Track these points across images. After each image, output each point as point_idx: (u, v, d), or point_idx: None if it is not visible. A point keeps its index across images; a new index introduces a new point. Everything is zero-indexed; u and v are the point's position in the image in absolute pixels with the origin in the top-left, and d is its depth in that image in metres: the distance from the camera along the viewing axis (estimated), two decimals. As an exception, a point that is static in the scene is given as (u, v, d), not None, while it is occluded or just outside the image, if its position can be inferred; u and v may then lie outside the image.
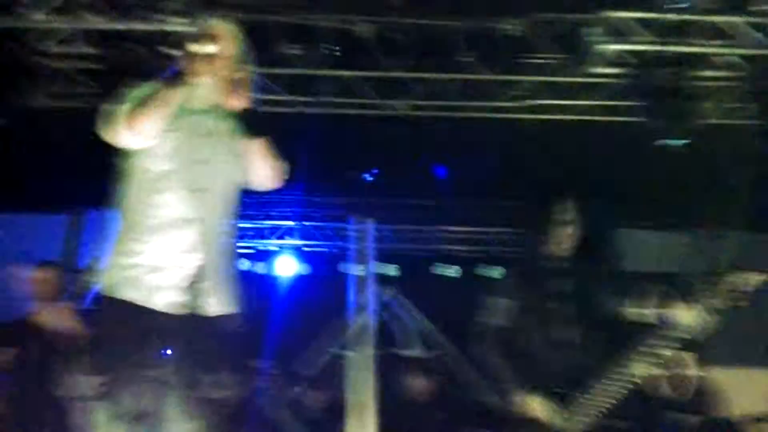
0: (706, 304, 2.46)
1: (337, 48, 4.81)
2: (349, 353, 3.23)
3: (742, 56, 4.66)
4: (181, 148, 2.09)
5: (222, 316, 2.11)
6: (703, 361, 6.59)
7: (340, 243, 6.99)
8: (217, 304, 2.09)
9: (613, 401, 2.60)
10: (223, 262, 2.16)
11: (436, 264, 7.62)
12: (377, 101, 5.20)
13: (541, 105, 5.18)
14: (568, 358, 2.77)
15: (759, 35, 4.47)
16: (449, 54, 4.91)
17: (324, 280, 6.99)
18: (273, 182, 2.26)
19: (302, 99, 5.16)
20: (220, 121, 2.19)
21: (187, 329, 2.03)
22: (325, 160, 5.61)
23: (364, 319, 6.54)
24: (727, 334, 6.72)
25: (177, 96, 2.04)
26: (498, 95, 5.13)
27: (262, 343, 5.97)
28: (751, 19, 4.45)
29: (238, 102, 2.10)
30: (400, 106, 5.22)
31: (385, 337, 6.88)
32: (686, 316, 2.51)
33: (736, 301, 2.39)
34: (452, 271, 7.55)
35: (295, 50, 4.79)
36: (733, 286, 2.37)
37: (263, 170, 2.20)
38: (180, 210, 2.06)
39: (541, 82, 5.08)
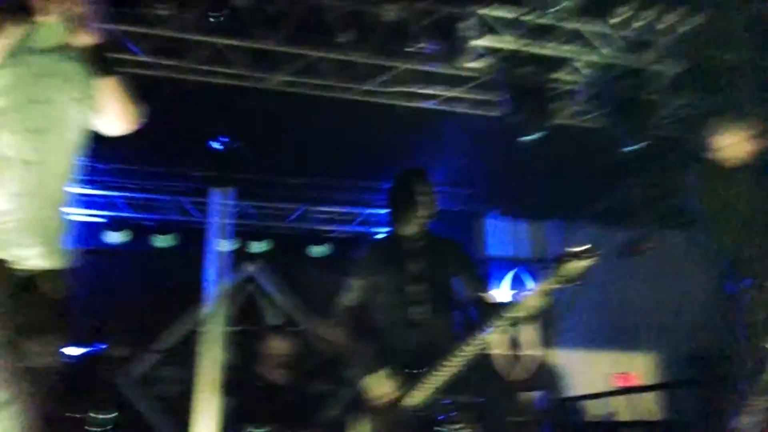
0: (544, 286, 2.64)
1: (212, 14, 4.64)
2: (204, 329, 3.14)
3: (597, 62, 5.01)
4: (18, 85, 1.93)
5: (50, 271, 1.94)
6: (548, 342, 7.13)
7: (200, 216, 6.80)
8: (44, 256, 1.93)
9: (457, 378, 2.74)
10: (58, 212, 2.00)
11: (308, 243, 7.59)
12: (249, 73, 5.08)
13: (411, 92, 5.27)
14: (419, 337, 2.87)
15: (614, 45, 4.86)
16: (326, 32, 4.91)
17: (183, 254, 6.76)
18: (126, 125, 2.15)
19: (168, 63, 4.93)
20: (66, 61, 2.04)
21: (7, 283, 1.85)
22: (188, 129, 5.42)
23: (221, 294, 6.41)
24: (572, 318, 7.33)
25: (17, 31, 1.89)
26: (370, 78, 5.18)
27: (112, 315, 5.73)
28: (606, 31, 4.82)
29: (87, 38, 1.98)
30: (272, 80, 5.13)
31: (248, 313, 6.84)
32: (529, 298, 2.67)
33: (570, 283, 2.57)
34: (322, 249, 7.54)
35: (165, 11, 4.57)
36: (566, 270, 2.52)
37: (115, 111, 2.09)
38: (16, 150, 1.89)
39: (414, 70, 5.21)
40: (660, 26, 4.80)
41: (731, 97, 5.38)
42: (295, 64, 5.07)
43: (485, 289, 3.03)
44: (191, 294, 4.16)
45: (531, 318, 2.69)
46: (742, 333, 2.91)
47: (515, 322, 2.70)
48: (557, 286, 2.57)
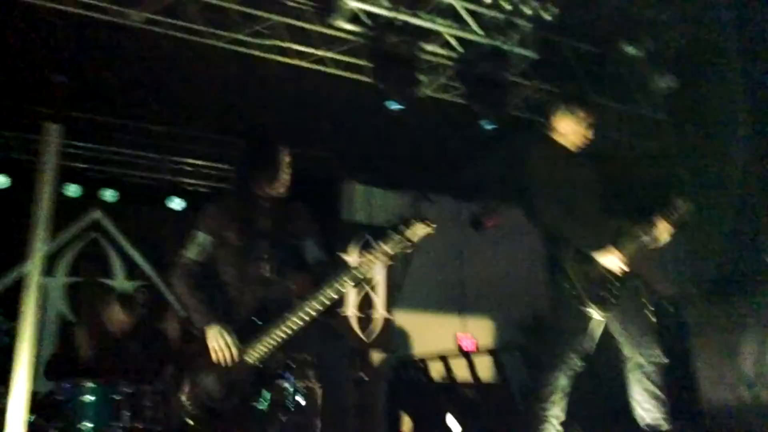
0: (381, 250, 2.75)
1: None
2: (30, 277, 2.91)
3: (461, 39, 5.17)
4: None
5: None
6: (392, 304, 7.42)
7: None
8: None
9: (298, 335, 2.80)
10: None
11: (163, 194, 7.25)
12: (107, 5, 4.70)
13: (280, 47, 5.16)
14: (262, 294, 2.89)
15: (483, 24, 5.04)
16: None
17: (14, 195, 6.20)
18: None
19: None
20: None
21: None
22: (32, 61, 4.98)
23: (59, 241, 6.03)
24: (420, 282, 7.63)
25: None
26: (240, 28, 5.00)
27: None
28: (474, 7, 4.98)
29: None
30: (133, 15, 4.79)
31: (89, 263, 6.47)
32: (367, 259, 2.79)
33: (404, 249, 2.72)
34: (176, 203, 7.24)
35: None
36: (402, 236, 2.68)
37: None
38: None
39: (287, 25, 5.09)
40: (526, 11, 5.03)
41: (583, 85, 5.83)
42: (161, 2, 4.76)
43: (327, 252, 3.10)
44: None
45: (368, 279, 2.83)
46: (567, 302, 3.20)
47: (356, 283, 2.80)
48: (394, 250, 2.71)
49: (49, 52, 5.07)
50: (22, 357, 2.37)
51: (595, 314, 3.15)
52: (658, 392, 3.13)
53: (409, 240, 2.71)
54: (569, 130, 3.43)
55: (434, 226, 2.74)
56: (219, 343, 2.73)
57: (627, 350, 3.21)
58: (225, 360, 2.73)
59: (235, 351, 2.74)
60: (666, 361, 3.19)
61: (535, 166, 3.39)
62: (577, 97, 3.61)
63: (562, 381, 3.25)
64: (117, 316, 4.43)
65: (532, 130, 3.61)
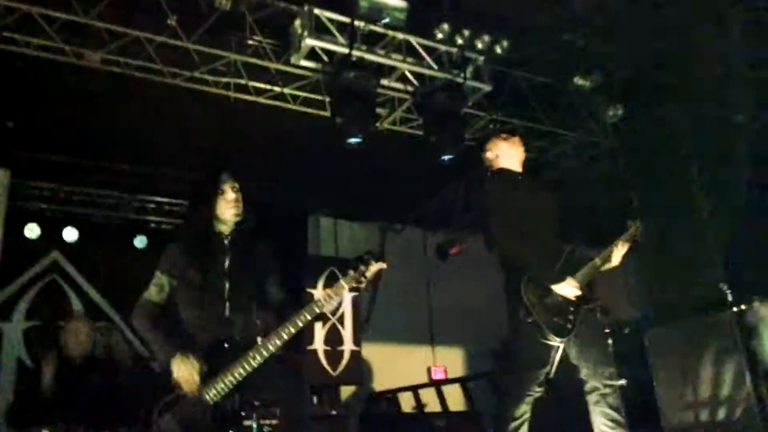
0: (341, 285, 2.82)
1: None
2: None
3: (417, 74, 5.30)
4: None
5: None
6: (360, 337, 7.39)
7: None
8: None
9: (259, 374, 2.80)
10: None
11: (125, 233, 7.16)
12: (64, 46, 4.71)
13: (238, 84, 5.22)
14: (221, 333, 2.87)
15: (438, 59, 5.18)
16: (151, 12, 4.70)
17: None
18: None
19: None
20: None
21: None
22: None
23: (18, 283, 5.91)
24: (388, 314, 7.62)
25: None
26: (197, 66, 5.05)
27: None
28: (428, 42, 5.12)
29: None
30: (89, 57, 4.81)
31: (49, 305, 6.34)
32: (328, 295, 2.84)
33: (359, 284, 2.79)
34: (139, 240, 7.16)
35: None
36: (357, 272, 2.82)
37: None
38: None
39: (245, 63, 5.16)
40: (479, 46, 5.19)
41: (537, 113, 5.99)
42: (118, 42, 4.79)
43: (285, 291, 3.12)
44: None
45: (325, 314, 2.86)
46: (525, 330, 3.25)
47: (315, 318, 2.83)
48: (349, 285, 2.82)
49: (4, 93, 5.05)
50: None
51: (554, 341, 3.20)
52: (615, 414, 3.18)
53: (363, 276, 2.79)
54: (506, 152, 3.56)
55: (386, 265, 2.87)
56: (184, 372, 2.70)
57: (584, 374, 3.26)
58: (192, 388, 2.69)
59: (198, 377, 2.70)
60: (621, 383, 3.24)
61: (491, 197, 3.47)
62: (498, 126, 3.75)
63: (525, 410, 3.28)
64: (78, 330, 4.36)
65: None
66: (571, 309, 3.23)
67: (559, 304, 3.22)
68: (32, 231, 6.54)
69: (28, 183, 6.52)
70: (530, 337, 3.22)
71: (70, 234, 6.69)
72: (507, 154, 3.60)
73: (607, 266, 3.43)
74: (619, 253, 3.42)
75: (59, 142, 6.06)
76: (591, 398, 3.23)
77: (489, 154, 3.63)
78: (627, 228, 3.51)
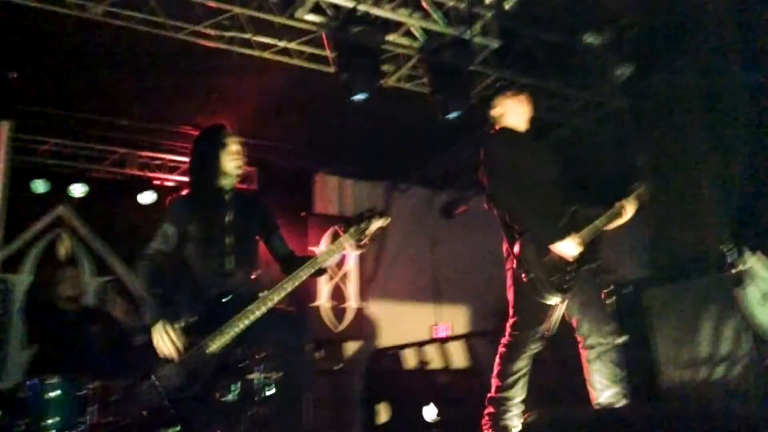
0: (344, 241, 2.85)
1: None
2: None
3: (424, 29, 5.21)
4: None
5: None
6: (365, 295, 7.47)
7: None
8: None
9: (259, 326, 2.84)
10: None
11: (132, 189, 7.18)
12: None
13: (242, 38, 5.15)
14: (223, 286, 2.92)
15: (446, 14, 5.08)
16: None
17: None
18: None
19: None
20: None
21: None
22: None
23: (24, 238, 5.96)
24: (393, 271, 7.66)
25: None
26: (201, 20, 4.98)
27: None
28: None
29: None
30: (91, 9, 4.74)
31: (56, 259, 6.42)
32: (327, 252, 2.88)
33: (360, 241, 2.82)
34: (144, 196, 7.18)
35: None
36: (359, 229, 2.83)
37: None
38: None
39: (249, 16, 5.08)
40: (487, 1, 5.08)
41: (545, 72, 5.91)
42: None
43: (287, 248, 3.16)
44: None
45: (333, 269, 2.91)
46: (523, 289, 3.27)
47: (316, 273, 2.87)
48: (350, 242, 2.84)
49: (5, 46, 5.01)
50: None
51: (552, 300, 3.22)
52: (617, 370, 3.21)
53: (364, 232, 2.81)
54: (513, 110, 3.52)
55: (387, 221, 2.88)
56: (162, 340, 2.76)
57: (583, 331, 3.29)
58: (168, 355, 2.75)
59: (177, 348, 2.76)
60: (621, 340, 3.27)
61: (494, 154, 3.45)
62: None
63: (522, 365, 3.34)
64: (66, 278, 4.44)
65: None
66: (571, 267, 3.24)
67: (559, 262, 3.23)
68: (39, 186, 6.58)
69: (35, 138, 6.52)
70: (528, 295, 3.24)
71: (76, 189, 6.72)
72: (513, 112, 3.57)
73: (611, 227, 3.43)
74: (623, 214, 3.41)
75: (64, 97, 6.05)
76: (590, 354, 3.26)
77: (495, 111, 3.60)
78: (633, 189, 3.50)
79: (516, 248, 3.25)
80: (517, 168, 3.33)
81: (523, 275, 3.20)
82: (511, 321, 3.45)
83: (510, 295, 3.44)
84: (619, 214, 3.40)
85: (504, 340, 3.46)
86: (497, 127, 3.60)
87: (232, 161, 3.05)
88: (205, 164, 3.06)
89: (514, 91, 3.63)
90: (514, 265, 3.28)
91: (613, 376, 3.21)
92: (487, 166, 3.40)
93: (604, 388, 3.21)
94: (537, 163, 3.44)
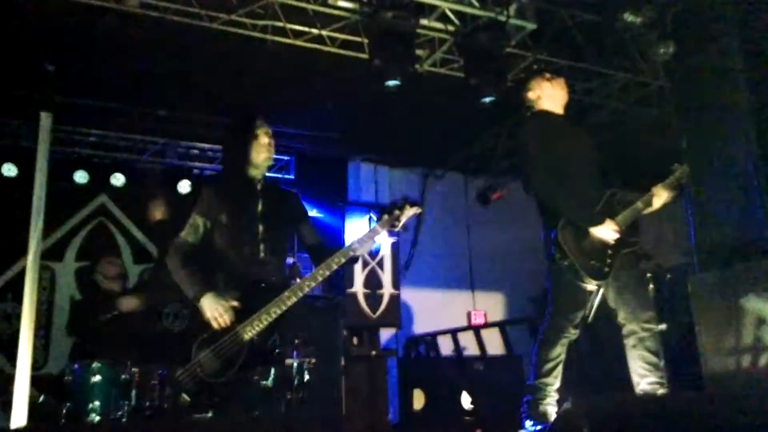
0: (377, 229, 2.85)
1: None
2: (30, 264, 2.97)
3: (458, 12, 5.14)
4: None
5: None
6: (400, 282, 7.46)
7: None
8: None
9: (292, 315, 2.86)
10: None
11: (171, 178, 7.29)
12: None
13: (276, 26, 5.16)
14: (255, 275, 2.94)
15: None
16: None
17: (22, 183, 6.25)
18: None
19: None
20: None
21: None
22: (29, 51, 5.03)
23: (67, 227, 6.10)
24: (428, 259, 7.64)
25: None
26: (234, 8, 5.01)
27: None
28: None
29: None
30: (128, 1, 4.81)
31: (100, 247, 6.57)
32: (359, 241, 2.88)
33: (393, 229, 2.81)
34: (183, 185, 7.28)
35: None
36: (391, 217, 2.82)
37: None
38: None
39: (283, 4, 5.08)
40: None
41: (583, 53, 5.77)
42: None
43: (318, 237, 3.17)
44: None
45: (367, 257, 2.91)
46: (561, 273, 3.22)
47: (348, 261, 2.87)
48: (383, 229, 2.84)
49: (47, 40, 5.12)
50: (23, 338, 2.43)
51: (590, 284, 3.16)
52: (654, 358, 3.15)
53: (397, 220, 2.80)
54: (549, 93, 3.45)
55: (420, 210, 2.87)
56: (216, 311, 2.77)
57: (622, 317, 3.23)
58: (225, 324, 2.77)
59: (231, 314, 2.78)
60: (661, 328, 3.20)
61: (530, 139, 3.40)
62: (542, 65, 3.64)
63: (560, 351, 3.29)
64: (107, 268, 4.55)
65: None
66: (609, 252, 3.18)
67: (597, 247, 3.16)
68: (81, 177, 6.73)
69: (77, 130, 6.68)
70: (566, 279, 3.20)
71: (117, 179, 6.86)
72: (549, 96, 3.50)
73: (650, 210, 3.35)
74: (661, 196, 3.32)
75: (103, 89, 6.16)
76: (629, 342, 3.20)
77: (531, 94, 3.53)
78: (672, 172, 3.41)
79: (554, 233, 3.20)
80: (554, 152, 3.27)
81: (562, 260, 3.15)
82: (549, 307, 3.40)
83: (548, 281, 3.39)
84: (656, 197, 3.31)
85: (542, 327, 3.41)
86: (533, 111, 3.53)
87: (262, 153, 3.05)
88: (236, 155, 3.07)
89: (552, 75, 3.55)
90: (552, 251, 3.23)
91: (650, 364, 3.14)
92: (524, 150, 3.35)
93: (642, 376, 3.15)
94: (574, 147, 3.37)
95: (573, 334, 3.30)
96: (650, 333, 3.16)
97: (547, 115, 3.48)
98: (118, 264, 4.68)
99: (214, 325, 2.77)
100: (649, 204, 3.31)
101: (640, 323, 3.17)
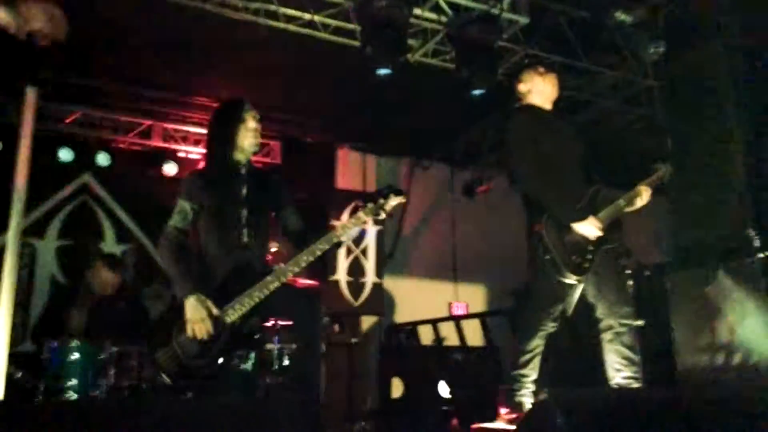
0: (361, 217, 2.87)
1: None
2: (10, 241, 2.94)
3: (451, 3, 5.13)
4: None
5: None
6: (384, 271, 7.49)
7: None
8: None
9: (275, 299, 2.87)
10: None
11: (155, 159, 7.22)
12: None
13: (268, 10, 5.12)
14: (239, 259, 2.94)
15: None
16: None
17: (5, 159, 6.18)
18: None
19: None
20: None
21: None
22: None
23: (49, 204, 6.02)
24: (412, 248, 7.66)
25: None
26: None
27: None
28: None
29: None
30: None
31: (80, 226, 6.53)
32: (341, 227, 2.90)
33: (377, 217, 2.84)
34: (168, 167, 7.23)
35: None
36: (376, 205, 2.87)
37: None
38: None
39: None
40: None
41: (575, 50, 5.80)
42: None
43: (302, 221, 3.17)
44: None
45: (351, 244, 2.94)
46: (543, 267, 3.25)
47: (331, 247, 2.88)
48: (368, 217, 2.88)
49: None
50: (1, 314, 2.42)
51: (570, 279, 3.20)
52: (630, 353, 3.19)
53: (382, 209, 2.83)
54: (540, 88, 3.47)
55: (405, 199, 2.91)
56: (196, 316, 2.77)
57: (600, 312, 3.27)
58: (202, 332, 2.77)
59: (209, 322, 2.78)
60: (638, 324, 3.24)
61: (516, 133, 3.41)
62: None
63: (537, 343, 3.33)
64: (103, 277, 4.50)
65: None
66: (590, 248, 3.21)
67: (579, 242, 3.20)
68: (65, 154, 6.66)
69: (61, 107, 6.59)
70: (547, 273, 3.23)
71: (102, 158, 6.79)
72: (539, 91, 3.51)
73: (632, 208, 3.38)
74: (644, 196, 3.36)
75: (90, 67, 6.10)
76: (605, 336, 3.24)
77: (521, 86, 3.55)
78: (654, 170, 3.45)
79: (537, 227, 3.23)
80: (539, 146, 3.29)
81: (544, 254, 3.18)
82: (529, 300, 3.44)
83: (529, 273, 3.42)
84: (639, 195, 3.35)
85: (521, 318, 3.46)
86: (521, 104, 3.55)
87: (249, 138, 3.04)
88: (222, 138, 3.06)
89: (544, 69, 3.56)
90: (535, 244, 3.26)
91: (626, 359, 3.19)
92: (509, 143, 3.38)
93: (617, 371, 3.20)
94: (560, 142, 3.40)
95: (551, 327, 3.34)
96: (627, 328, 3.21)
97: (534, 108, 3.50)
98: (110, 276, 4.58)
99: (195, 330, 2.77)
100: (631, 202, 3.34)
101: (617, 318, 3.21)
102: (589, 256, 3.19)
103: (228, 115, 3.09)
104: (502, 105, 6.30)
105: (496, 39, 5.31)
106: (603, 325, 3.25)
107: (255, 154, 3.19)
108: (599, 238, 3.22)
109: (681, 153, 5.05)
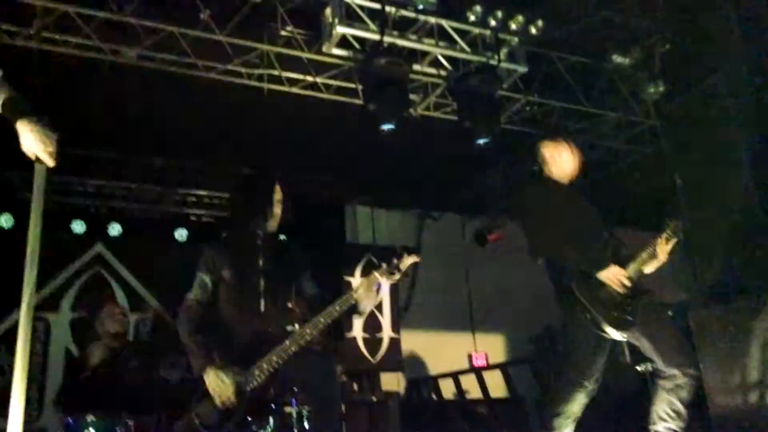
0: (373, 277, 2.84)
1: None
2: (23, 315, 2.91)
3: (450, 58, 5.23)
4: None
5: None
6: (400, 325, 7.40)
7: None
8: None
9: (293, 362, 2.82)
10: None
11: (167, 226, 7.29)
12: (101, 45, 4.80)
13: (272, 75, 5.24)
14: (257, 326, 2.91)
15: (471, 41, 5.10)
16: (184, 7, 4.77)
17: (18, 234, 6.25)
18: None
19: (9, 28, 4.56)
20: None
21: None
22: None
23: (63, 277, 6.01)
24: (427, 301, 7.58)
25: None
26: (230, 59, 5.09)
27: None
28: (461, 26, 5.04)
29: None
30: (127, 54, 4.89)
31: (93, 297, 6.52)
32: (357, 288, 2.86)
33: (393, 277, 2.82)
34: (180, 233, 7.28)
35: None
36: (390, 266, 2.85)
37: None
38: None
39: (278, 54, 5.17)
40: (513, 27, 5.08)
41: (575, 94, 5.86)
42: (153, 38, 4.86)
43: (318, 287, 3.15)
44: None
45: (361, 307, 2.91)
46: (582, 327, 3.15)
47: (349, 309, 2.85)
48: (387, 278, 2.85)
49: (40, 90, 5.17)
50: (15, 391, 2.38)
51: (615, 335, 3.09)
52: (681, 408, 3.01)
53: (396, 269, 2.83)
54: (552, 159, 3.44)
55: (419, 258, 2.91)
56: (218, 387, 2.73)
57: (661, 365, 3.10)
58: (225, 401, 2.73)
59: (233, 390, 2.73)
60: (697, 372, 3.11)
61: (530, 203, 3.40)
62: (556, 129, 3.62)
63: (575, 407, 3.18)
64: (112, 312, 4.46)
65: (529, 143, 3.60)
66: (628, 302, 3.13)
67: (615, 297, 3.11)
68: (78, 226, 6.73)
69: (73, 180, 6.70)
70: (586, 334, 3.12)
71: (114, 228, 6.86)
72: (553, 162, 3.40)
73: (654, 263, 3.29)
74: (663, 253, 3.28)
75: (101, 139, 6.21)
76: (665, 384, 3.03)
77: (546, 152, 3.46)
78: (666, 225, 3.36)
79: (569, 289, 3.15)
80: (553, 214, 3.26)
81: (583, 313, 3.09)
82: (564, 362, 3.32)
83: (566, 337, 3.33)
84: (656, 258, 3.27)
85: (556, 381, 3.32)
86: (538, 174, 3.51)
87: (277, 209, 3.06)
88: (250, 210, 3.08)
89: (551, 137, 3.50)
90: (570, 304, 3.17)
91: (676, 412, 3.04)
92: (523, 217, 3.38)
93: (662, 420, 3.05)
94: (573, 209, 3.35)
95: (592, 388, 3.18)
96: (689, 378, 3.04)
97: (546, 179, 3.47)
98: (120, 320, 4.55)
99: (217, 401, 2.72)
100: (653, 257, 3.26)
101: (680, 368, 3.07)
102: (630, 309, 3.10)
103: (261, 185, 3.10)
104: (507, 151, 6.37)
105: (496, 89, 5.38)
106: (665, 374, 3.10)
107: (283, 226, 3.16)
108: (633, 291, 3.14)
109: (690, 190, 5.02)
